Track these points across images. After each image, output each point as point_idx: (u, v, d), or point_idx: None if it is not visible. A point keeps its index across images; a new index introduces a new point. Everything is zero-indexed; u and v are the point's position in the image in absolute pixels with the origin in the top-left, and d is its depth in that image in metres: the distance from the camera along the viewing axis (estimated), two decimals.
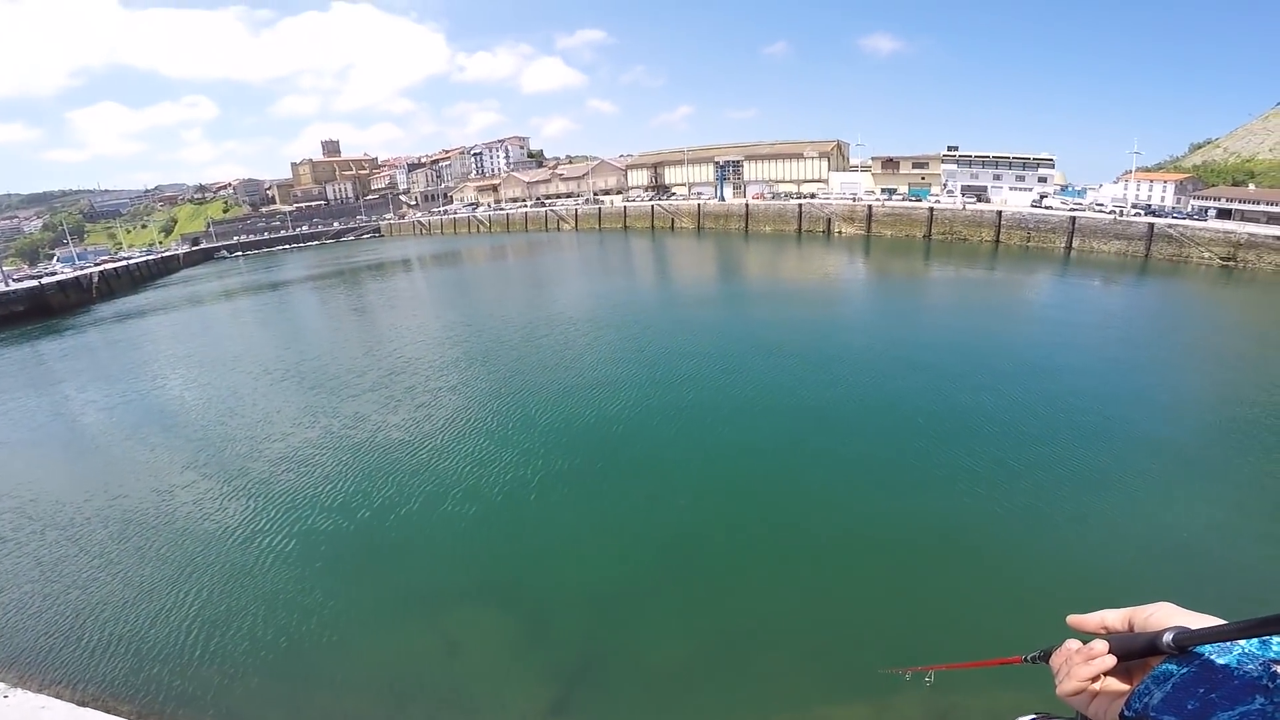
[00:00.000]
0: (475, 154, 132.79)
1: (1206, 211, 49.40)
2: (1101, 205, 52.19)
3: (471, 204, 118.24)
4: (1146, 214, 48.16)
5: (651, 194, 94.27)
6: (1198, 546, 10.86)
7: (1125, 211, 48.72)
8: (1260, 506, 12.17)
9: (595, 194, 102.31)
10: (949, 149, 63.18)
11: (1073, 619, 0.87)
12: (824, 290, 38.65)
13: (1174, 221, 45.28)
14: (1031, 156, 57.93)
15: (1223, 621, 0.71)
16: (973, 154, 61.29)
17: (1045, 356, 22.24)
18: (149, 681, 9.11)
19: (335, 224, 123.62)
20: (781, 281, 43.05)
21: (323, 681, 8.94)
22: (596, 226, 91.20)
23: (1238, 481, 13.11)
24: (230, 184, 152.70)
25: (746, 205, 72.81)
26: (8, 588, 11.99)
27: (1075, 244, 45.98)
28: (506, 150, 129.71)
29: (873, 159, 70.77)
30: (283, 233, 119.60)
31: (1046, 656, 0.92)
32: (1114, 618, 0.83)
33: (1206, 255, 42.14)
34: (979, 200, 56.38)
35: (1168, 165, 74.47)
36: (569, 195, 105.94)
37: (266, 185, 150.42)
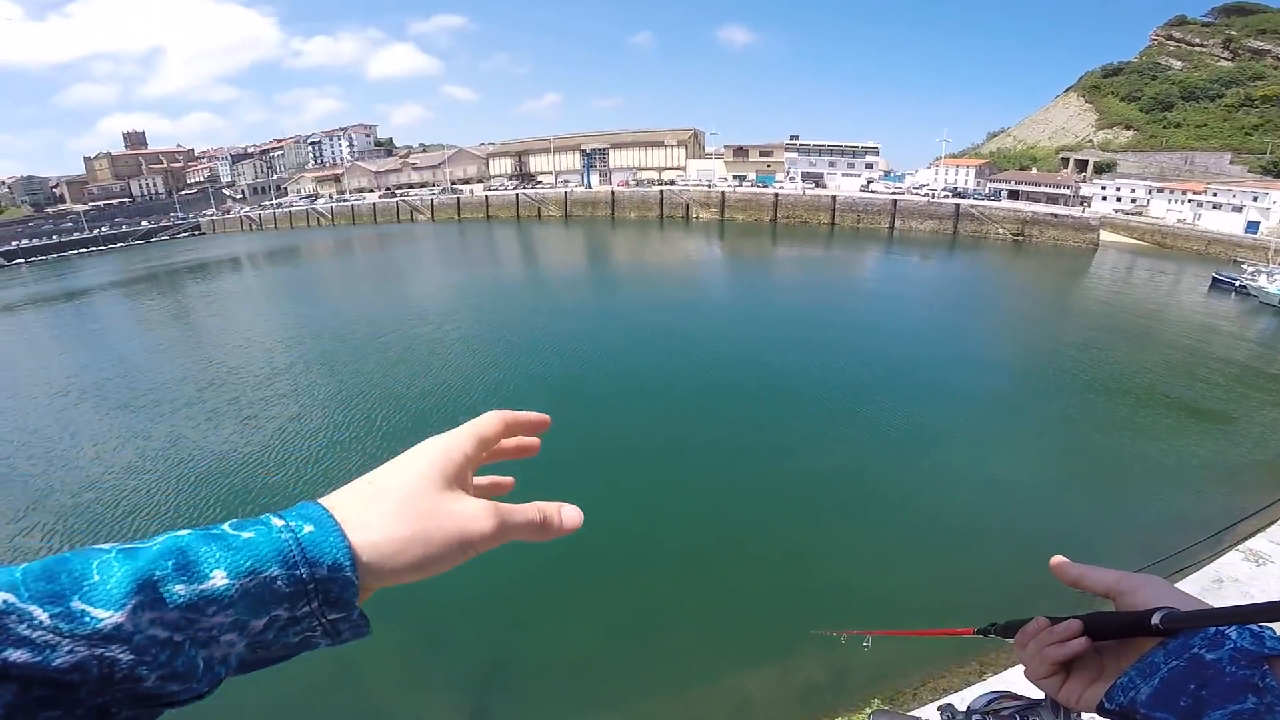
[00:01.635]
0: (314, 143, 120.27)
1: (1000, 193, 57.06)
2: (919, 189, 58.37)
3: (310, 196, 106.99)
4: (954, 196, 54.54)
5: (516, 183, 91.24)
6: (1016, 488, 12.47)
7: (937, 194, 54.81)
8: (1059, 445, 14.41)
9: (453, 183, 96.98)
10: (791, 138, 67.31)
11: (1056, 561, 0.81)
12: (688, 272, 39.98)
13: (975, 202, 51.70)
14: (860, 145, 63.35)
15: (1208, 604, 0.67)
16: (811, 143, 65.80)
17: (885, 328, 24.81)
18: None
19: (144, 223, 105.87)
20: (648, 265, 43.98)
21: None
22: (456, 217, 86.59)
23: (1040, 425, 15.57)
24: (4, 181, 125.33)
25: (612, 193, 72.75)
26: None
27: (898, 224, 50.95)
28: (350, 139, 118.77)
29: (725, 147, 73.65)
30: (77, 235, 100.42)
31: (1006, 631, 0.86)
32: (1096, 578, 0.76)
33: (1001, 231, 48.53)
34: (817, 186, 60.76)
35: (970, 152, 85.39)
36: (424, 185, 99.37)
37: (53, 183, 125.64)
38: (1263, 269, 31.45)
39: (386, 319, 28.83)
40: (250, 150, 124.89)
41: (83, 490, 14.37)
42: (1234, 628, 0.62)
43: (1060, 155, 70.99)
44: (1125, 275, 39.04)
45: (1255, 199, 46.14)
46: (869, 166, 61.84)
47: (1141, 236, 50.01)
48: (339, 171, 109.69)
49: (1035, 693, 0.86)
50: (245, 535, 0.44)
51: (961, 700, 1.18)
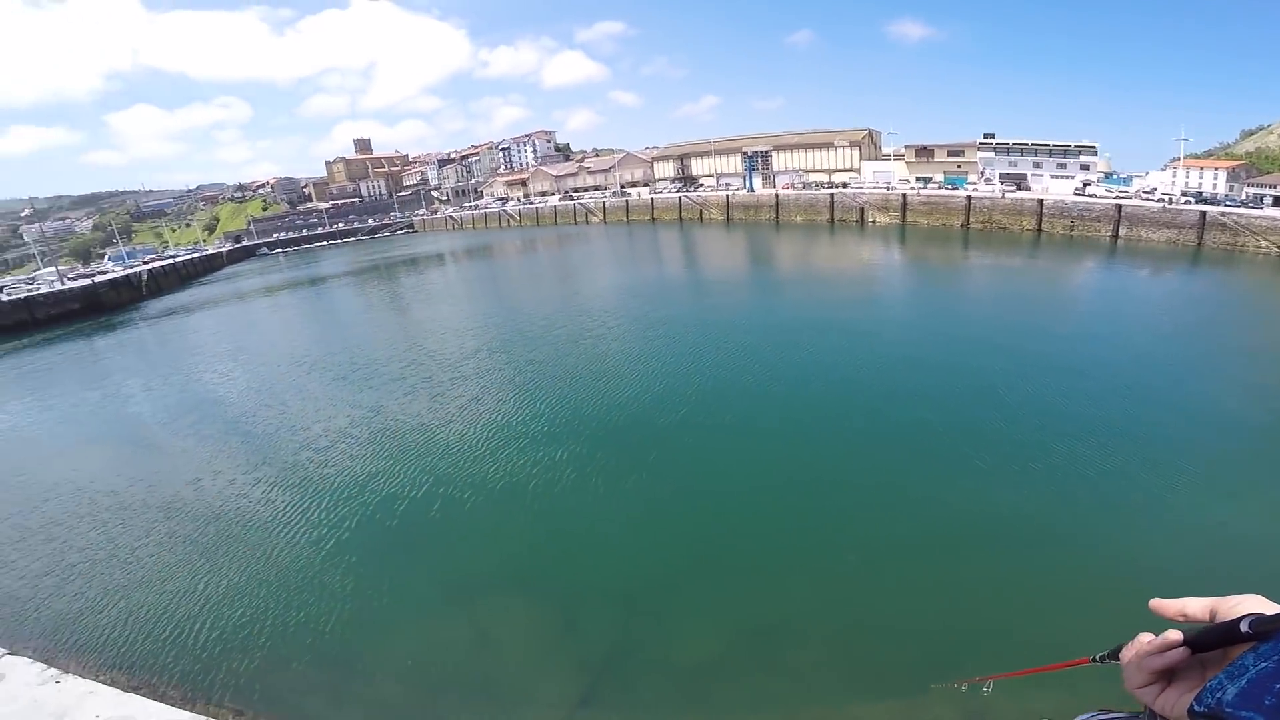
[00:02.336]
0: (504, 149, 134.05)
1: (1262, 200, 47.51)
2: (1149, 193, 50.63)
3: (501, 198, 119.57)
4: (1198, 202, 46.58)
5: (678, 185, 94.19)
6: (1262, 541, 10.64)
7: (1175, 200, 47.20)
8: None
9: (622, 186, 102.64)
10: (985, 136, 61.80)
11: (1155, 603, 0.83)
12: (863, 278, 38.34)
13: (1227, 210, 43.73)
14: (1073, 144, 56.36)
15: None
16: (1010, 141, 59.85)
17: (1097, 348, 21.62)
18: (192, 666, 9.32)
19: (370, 220, 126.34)
20: (817, 268, 43.10)
21: (358, 668, 9.06)
22: (624, 219, 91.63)
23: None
24: (268, 183, 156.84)
25: (776, 195, 72.35)
26: (60, 576, 12.28)
27: (1123, 232, 44.75)
28: (534, 144, 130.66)
29: (906, 147, 69.56)
30: (320, 230, 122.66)
31: (1117, 654, 0.88)
32: (1196, 607, 0.78)
33: (1264, 244, 40.66)
34: (1019, 188, 55.16)
35: (1219, 152, 71.50)
36: (596, 188, 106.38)
37: (303, 183, 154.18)
38: None
39: (573, 314, 31.22)
40: (452, 155, 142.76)
41: (301, 449, 17.14)
42: None
43: None
44: None
45: None
46: (1085, 168, 54.80)
47: None
48: (525, 175, 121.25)
49: (1135, 706, 0.86)
50: None
51: None
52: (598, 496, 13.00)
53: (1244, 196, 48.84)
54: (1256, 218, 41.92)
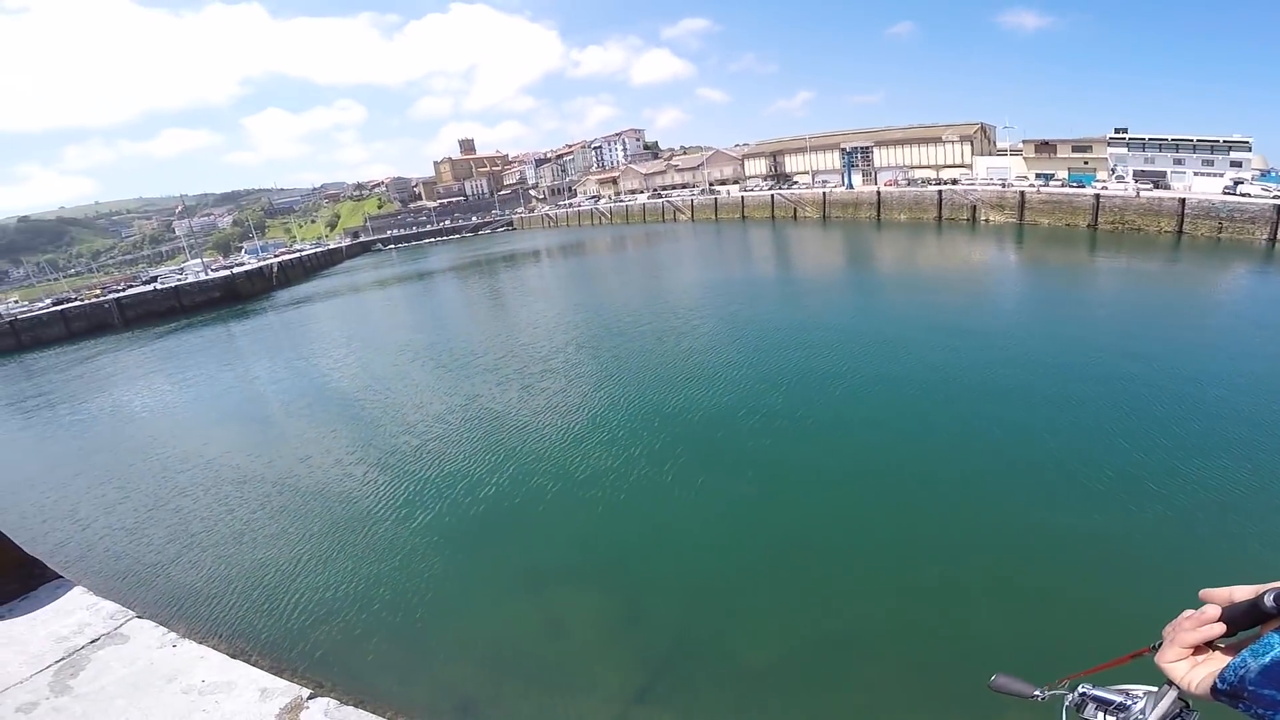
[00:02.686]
0: (595, 148, 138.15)
1: None
2: None
3: (594, 196, 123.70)
4: None
5: (771, 183, 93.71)
6: None
7: None
8: None
9: (711, 184, 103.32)
10: (1116, 131, 57.63)
11: (1205, 593, 0.81)
12: (971, 279, 37.08)
13: None
14: (1221, 138, 51.58)
15: None
16: (1146, 136, 55.52)
17: (1246, 362, 19.31)
18: (284, 636, 9.90)
19: (473, 218, 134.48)
20: (919, 269, 41.77)
21: (432, 649, 9.39)
22: (713, 217, 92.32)
23: None
24: (383, 182, 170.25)
25: (878, 193, 70.74)
26: (183, 544, 13.20)
27: None
28: (624, 143, 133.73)
29: (1024, 142, 65.98)
30: (428, 227, 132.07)
31: None
32: (1243, 593, 0.76)
33: None
34: (1156, 186, 51.28)
35: None
36: (684, 186, 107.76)
37: (414, 183, 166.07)
38: None
39: (657, 311, 31.82)
40: (548, 155, 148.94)
41: (401, 433, 18.21)
42: None
43: None
44: None
45: None
46: (1236, 165, 50.09)
47: None
48: (616, 174, 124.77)
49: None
50: None
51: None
52: (674, 493, 13.01)
53: None
54: None
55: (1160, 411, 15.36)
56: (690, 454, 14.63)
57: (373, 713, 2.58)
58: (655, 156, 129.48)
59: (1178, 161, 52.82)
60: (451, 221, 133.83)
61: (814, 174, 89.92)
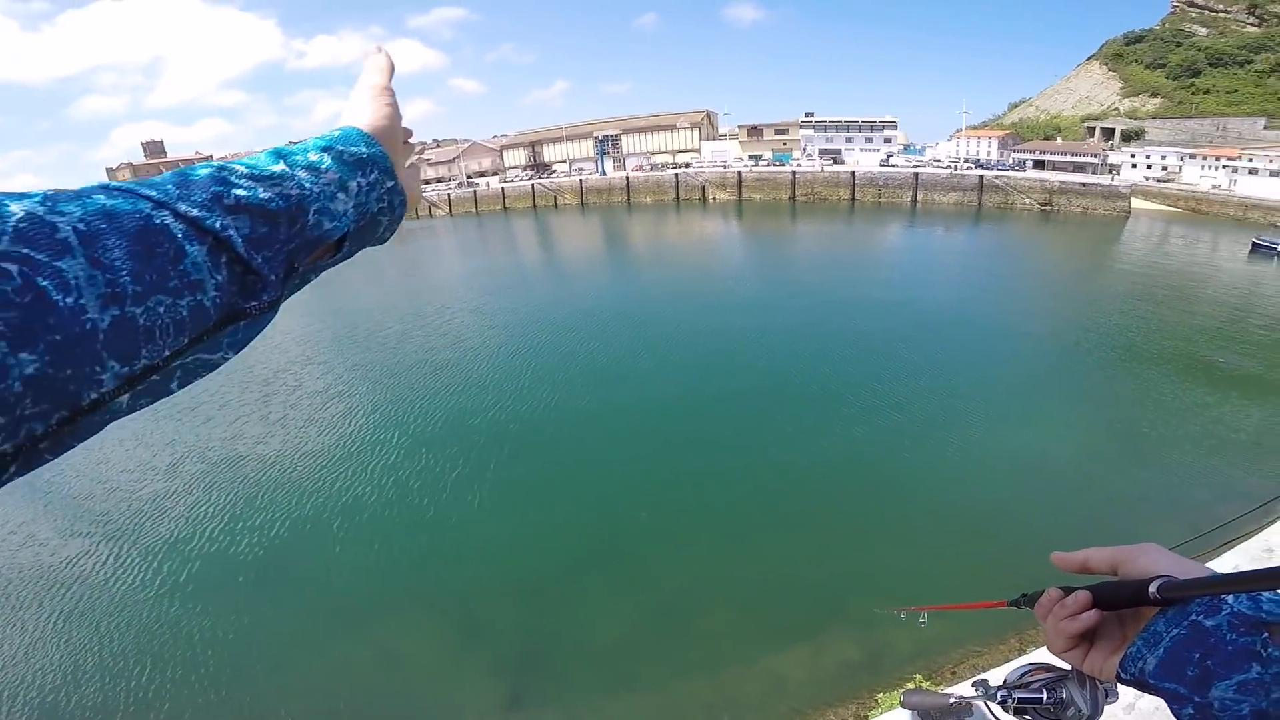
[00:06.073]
0: None
1: (1024, 163, 55.38)
2: (939, 161, 56.92)
3: None
4: (977, 168, 53.13)
5: (531, 173, 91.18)
6: (1058, 462, 12.22)
7: (959, 166, 53.43)
8: (1099, 418, 14.11)
9: (469, 177, 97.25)
10: (806, 115, 66.01)
11: (1055, 557, 0.81)
12: (705, 251, 39.66)
13: (999, 173, 50.33)
14: (878, 119, 61.87)
15: (1208, 568, 0.68)
16: (827, 119, 64.46)
17: (923, 303, 24.19)
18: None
19: None
20: (666, 246, 43.80)
21: (265, 713, 8.16)
22: (473, 210, 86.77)
23: (1078, 398, 15.41)
24: None
25: (627, 178, 72.33)
26: None
27: (920, 197, 49.86)
28: None
29: (739, 127, 72.55)
30: None
31: (1031, 601, 0.87)
32: (1097, 559, 0.77)
33: (1028, 201, 47.24)
34: (835, 162, 59.61)
35: (991, 123, 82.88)
36: (439, 180, 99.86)
37: None
38: None
39: (426, 319, 28.29)
40: None
41: (103, 496, 14.30)
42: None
43: (1086, 124, 68.61)
44: (1160, 242, 37.73)
45: None
46: (888, 140, 60.48)
47: (1174, 203, 48.20)
48: None
49: (1067, 664, 0.86)
50: (326, 133, 0.60)
51: (997, 675, 1.18)
52: (484, 499, 12.51)
53: (1011, 162, 56.60)
54: (1021, 179, 48.56)
55: (834, 327, 20.30)
56: (490, 459, 13.88)
57: None
58: None
59: (849, 140, 62.25)
60: None
61: (571, 162, 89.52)
